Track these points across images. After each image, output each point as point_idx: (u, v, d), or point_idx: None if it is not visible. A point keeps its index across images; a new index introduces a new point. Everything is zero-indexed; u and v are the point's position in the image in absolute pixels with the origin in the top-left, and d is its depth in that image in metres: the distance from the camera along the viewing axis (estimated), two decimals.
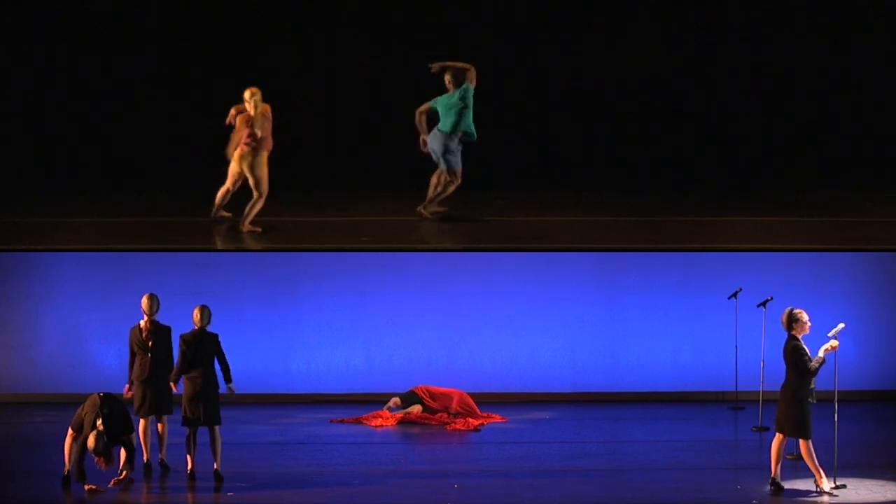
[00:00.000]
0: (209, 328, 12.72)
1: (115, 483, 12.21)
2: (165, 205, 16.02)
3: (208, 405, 12.58)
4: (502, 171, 16.10)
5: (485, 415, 16.03)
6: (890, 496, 12.10)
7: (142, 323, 12.97)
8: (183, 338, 12.66)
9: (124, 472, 12.22)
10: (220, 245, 14.21)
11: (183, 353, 12.60)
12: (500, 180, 16.00)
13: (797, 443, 12.27)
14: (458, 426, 15.50)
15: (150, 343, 12.87)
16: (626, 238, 14.70)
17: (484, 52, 15.60)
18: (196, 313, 12.67)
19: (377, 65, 17.15)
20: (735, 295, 16.06)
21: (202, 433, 12.64)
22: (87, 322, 16.95)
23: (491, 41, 16.61)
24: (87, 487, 12.11)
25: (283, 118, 14.88)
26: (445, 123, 14.12)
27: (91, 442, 11.99)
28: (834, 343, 12.01)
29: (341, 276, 16.94)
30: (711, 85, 17.23)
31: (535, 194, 16.27)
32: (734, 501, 12.07)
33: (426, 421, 15.83)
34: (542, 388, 17.14)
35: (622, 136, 17.18)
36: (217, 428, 12.62)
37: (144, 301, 12.98)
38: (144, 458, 12.96)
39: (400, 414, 15.97)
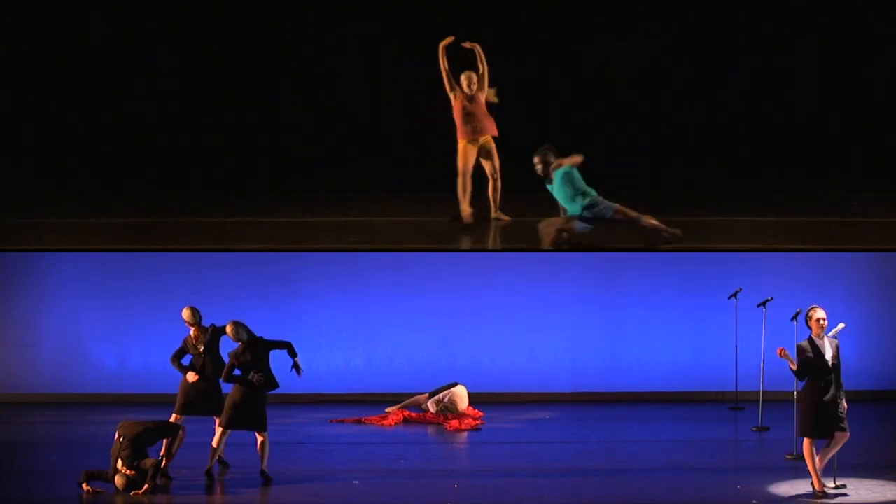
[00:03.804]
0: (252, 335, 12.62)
1: (134, 495, 12.11)
2: (165, 205, 16.02)
3: (253, 412, 12.53)
4: (506, 172, 16.10)
5: (477, 413, 16.04)
6: (890, 496, 12.09)
7: (192, 334, 12.99)
8: (232, 355, 12.54)
9: (145, 486, 12.13)
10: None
11: (231, 367, 12.55)
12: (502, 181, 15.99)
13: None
14: (457, 426, 15.49)
15: (202, 348, 12.94)
16: (627, 238, 14.68)
17: (487, 53, 15.62)
18: (230, 331, 12.50)
19: (381, 66, 17.17)
20: (735, 295, 16.05)
21: (236, 436, 12.64)
22: (87, 322, 16.93)
23: (492, 40, 16.62)
24: (85, 489, 12.11)
25: (288, 120, 14.91)
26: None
27: (120, 483, 12.08)
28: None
29: (341, 276, 16.91)
30: (711, 85, 17.24)
31: (535, 195, 16.26)
32: (734, 501, 12.06)
33: (427, 420, 15.83)
34: (542, 388, 17.13)
35: (622, 135, 17.18)
36: (265, 433, 12.59)
37: (186, 314, 12.98)
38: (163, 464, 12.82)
39: (407, 412, 15.96)
